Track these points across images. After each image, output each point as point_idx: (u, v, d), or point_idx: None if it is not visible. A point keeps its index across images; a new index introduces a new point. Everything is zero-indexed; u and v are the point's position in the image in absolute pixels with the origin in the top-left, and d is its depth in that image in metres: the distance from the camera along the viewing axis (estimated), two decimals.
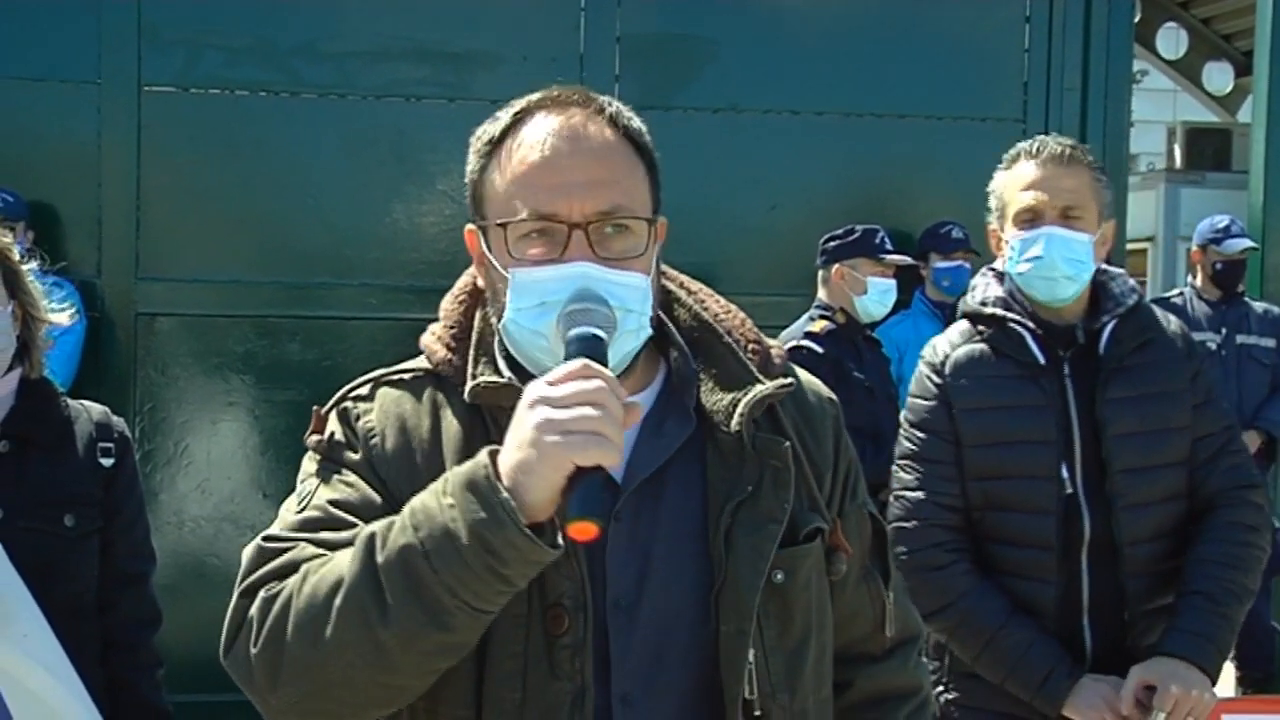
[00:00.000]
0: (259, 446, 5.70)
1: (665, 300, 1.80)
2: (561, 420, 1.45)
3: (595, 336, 1.57)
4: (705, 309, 1.81)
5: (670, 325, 1.79)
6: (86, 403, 2.81)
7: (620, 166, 1.68)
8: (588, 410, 1.45)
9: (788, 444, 1.71)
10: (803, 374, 1.85)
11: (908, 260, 5.47)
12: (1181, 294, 6.93)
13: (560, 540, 1.48)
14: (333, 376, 5.70)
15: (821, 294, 5.34)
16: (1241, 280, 6.75)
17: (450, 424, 1.69)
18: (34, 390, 2.72)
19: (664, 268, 1.80)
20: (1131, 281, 3.06)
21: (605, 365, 1.53)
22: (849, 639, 1.84)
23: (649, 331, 1.68)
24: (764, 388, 1.71)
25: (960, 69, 6.06)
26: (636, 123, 1.73)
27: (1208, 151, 12.94)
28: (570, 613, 1.62)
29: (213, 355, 5.66)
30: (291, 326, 5.70)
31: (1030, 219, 2.93)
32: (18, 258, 2.67)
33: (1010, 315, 2.94)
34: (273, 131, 5.69)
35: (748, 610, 1.64)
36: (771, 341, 1.82)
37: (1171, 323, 3.04)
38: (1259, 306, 6.69)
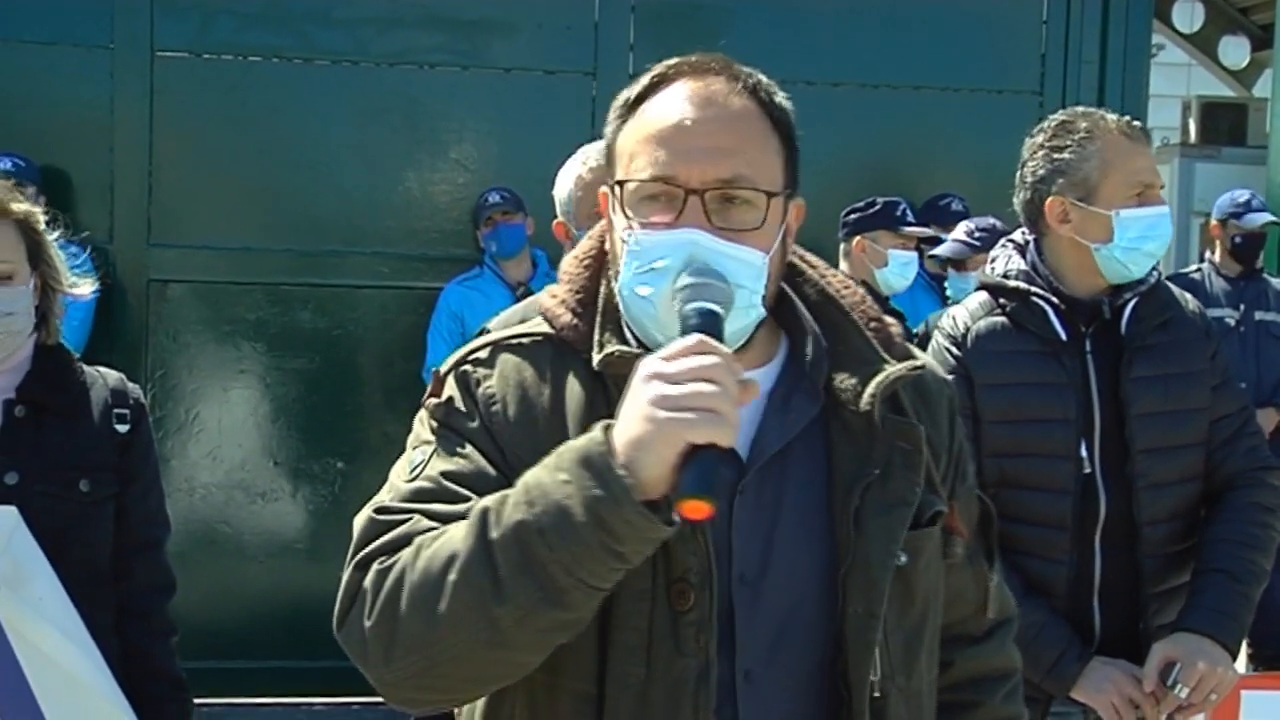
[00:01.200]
0: (270, 414, 5.70)
1: (790, 275, 1.77)
2: (676, 396, 1.43)
3: (712, 312, 1.54)
4: (829, 285, 1.78)
5: (798, 301, 1.75)
6: (102, 369, 2.81)
7: (749, 137, 1.64)
8: (703, 386, 1.43)
9: (921, 426, 1.69)
10: (920, 354, 1.81)
11: (929, 232, 5.43)
12: (1200, 269, 6.89)
13: (675, 518, 1.45)
14: (344, 344, 5.75)
15: (843, 266, 5.30)
16: (1260, 255, 6.71)
17: (574, 392, 1.66)
18: (50, 356, 2.71)
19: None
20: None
21: (721, 341, 1.51)
22: (952, 619, 1.82)
23: (760, 311, 1.64)
24: (895, 368, 1.69)
25: (978, 41, 6.02)
26: (780, 98, 1.69)
27: (1223, 126, 12.84)
28: (695, 589, 1.58)
29: (224, 322, 5.65)
30: (303, 294, 5.69)
31: (1143, 197, 2.87)
32: (43, 227, 2.66)
33: (1034, 289, 2.90)
34: (285, 98, 5.67)
35: (879, 593, 1.62)
36: (890, 320, 1.78)
37: (1189, 301, 3.02)
38: (1277, 283, 6.66)
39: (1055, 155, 2.91)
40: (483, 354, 1.71)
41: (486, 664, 1.54)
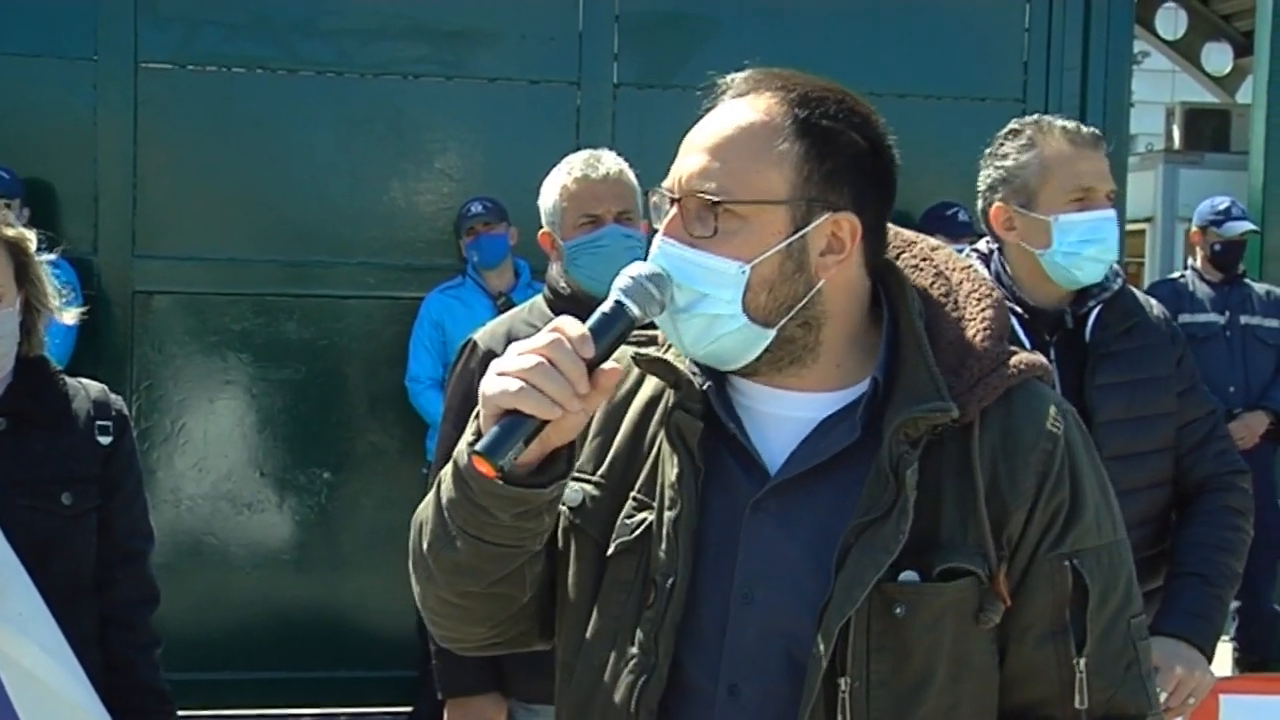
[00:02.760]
0: (256, 425, 5.70)
1: (891, 297, 1.72)
2: (503, 364, 1.55)
3: (617, 303, 1.60)
4: (938, 303, 1.73)
5: (894, 328, 1.70)
6: (85, 380, 2.80)
7: (740, 147, 1.64)
8: (527, 360, 1.53)
9: (910, 474, 1.61)
10: (1037, 399, 1.70)
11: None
12: (1184, 275, 6.93)
13: (501, 476, 1.56)
14: (330, 355, 5.75)
15: None
16: (1241, 262, 6.75)
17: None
18: (32, 368, 2.71)
19: (918, 254, 1.76)
20: (1115, 265, 3.02)
21: (622, 329, 1.59)
22: (1028, 700, 1.69)
23: (742, 320, 1.63)
24: (917, 410, 1.62)
25: (960, 48, 6.04)
26: (823, 109, 1.65)
27: (1206, 132, 12.90)
28: (658, 588, 1.65)
29: (209, 333, 5.65)
30: (288, 305, 5.69)
31: (1086, 201, 2.88)
32: (33, 249, 2.67)
33: None
34: (270, 109, 5.68)
35: (829, 634, 1.59)
36: (1016, 353, 1.70)
37: (1154, 307, 3.02)
38: (1260, 288, 6.69)
39: (999, 163, 2.94)
40: None
41: (434, 601, 1.74)
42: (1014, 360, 1.69)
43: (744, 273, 1.62)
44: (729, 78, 1.70)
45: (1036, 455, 1.66)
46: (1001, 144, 2.96)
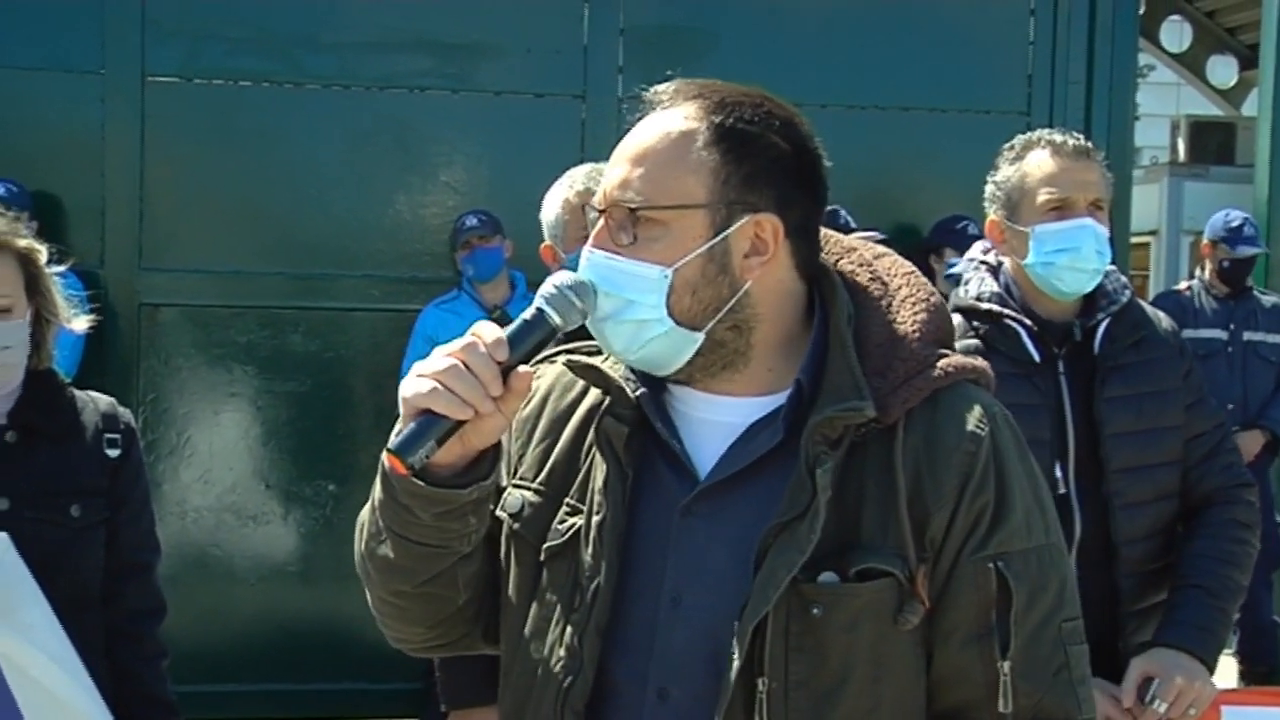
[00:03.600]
0: (261, 437, 5.71)
1: (824, 300, 1.73)
2: (419, 366, 1.60)
3: (538, 310, 1.65)
4: (870, 304, 1.73)
5: (823, 331, 1.71)
6: (93, 393, 2.82)
7: (658, 156, 1.67)
8: (440, 362, 1.58)
9: (821, 474, 1.61)
10: (964, 401, 1.69)
11: (878, 236, 5.44)
12: (1189, 287, 6.91)
13: (414, 473, 1.60)
14: (335, 367, 5.76)
15: None
16: (1249, 277, 6.73)
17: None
18: (41, 381, 2.73)
19: (856, 260, 1.77)
20: (1124, 278, 3.03)
21: (543, 336, 1.64)
22: (955, 703, 1.69)
23: (667, 323, 1.65)
24: (829, 413, 1.62)
25: (964, 61, 6.05)
26: (737, 113, 1.67)
27: (1211, 145, 12.91)
28: (584, 592, 1.68)
29: (215, 346, 5.66)
30: (294, 317, 5.70)
31: (1062, 210, 2.90)
32: (43, 262, 2.68)
33: (1006, 311, 2.91)
34: (276, 122, 5.69)
35: (743, 634, 1.60)
36: (947, 355, 1.70)
37: (1162, 320, 3.03)
38: (1267, 300, 6.67)
39: (992, 176, 2.99)
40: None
41: (375, 600, 1.80)
42: (942, 363, 1.69)
43: (666, 277, 1.65)
44: (655, 89, 1.73)
45: (959, 457, 1.65)
46: (998, 158, 3.01)
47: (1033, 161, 2.93)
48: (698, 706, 1.63)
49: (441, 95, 5.79)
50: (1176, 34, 13.11)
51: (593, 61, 5.80)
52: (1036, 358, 2.88)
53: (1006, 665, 1.65)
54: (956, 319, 2.97)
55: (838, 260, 1.78)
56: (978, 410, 1.69)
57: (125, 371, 5.48)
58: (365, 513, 1.75)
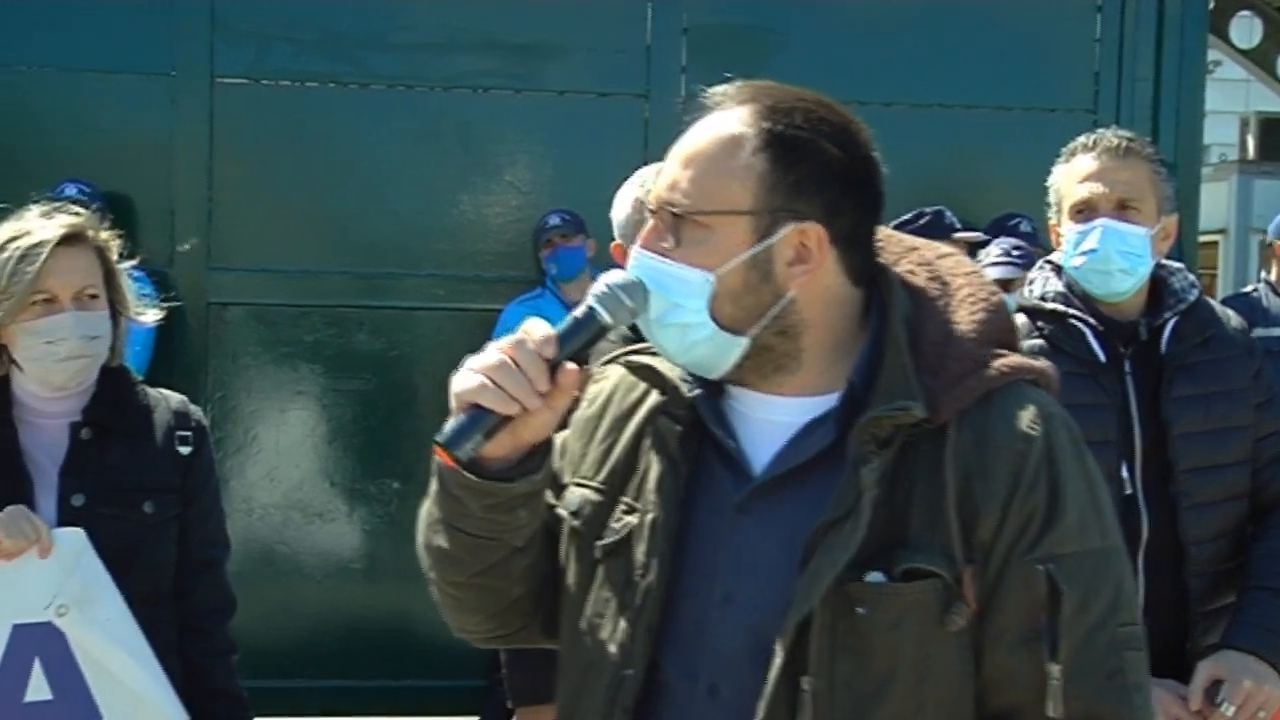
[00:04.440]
0: (327, 435, 5.76)
1: (882, 302, 1.71)
2: (471, 361, 1.63)
3: (588, 309, 1.66)
4: (920, 313, 1.71)
5: (880, 332, 1.70)
6: (165, 391, 2.85)
7: (706, 161, 1.67)
8: (492, 357, 1.61)
9: (866, 473, 1.60)
10: (1019, 402, 1.67)
11: (981, 237, 5.41)
12: (1256, 288, 6.81)
13: (461, 465, 1.63)
14: (399, 367, 5.80)
15: None
16: None
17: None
18: (114, 379, 2.76)
19: (917, 259, 1.76)
20: (1191, 276, 3.00)
21: (592, 334, 1.65)
22: (1004, 706, 1.66)
23: (710, 329, 1.66)
24: (877, 411, 1.62)
25: (1030, 59, 6.00)
26: (787, 120, 1.66)
27: None
28: (636, 590, 1.69)
29: (281, 345, 5.72)
30: (359, 316, 5.74)
31: (1086, 212, 2.89)
32: (115, 257, 2.72)
33: (1071, 311, 2.89)
34: (342, 122, 5.74)
35: (787, 632, 1.60)
36: (1004, 355, 1.68)
37: (1231, 319, 3.00)
38: None
39: (1050, 180, 3.00)
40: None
41: (435, 590, 1.83)
42: (998, 363, 1.67)
43: (709, 282, 1.65)
44: (714, 90, 1.72)
45: (1009, 457, 1.63)
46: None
47: (1070, 162, 2.93)
48: (747, 704, 1.62)
49: (505, 95, 5.81)
50: (1246, 29, 12.92)
51: (656, 61, 5.80)
52: (1102, 358, 2.85)
53: (1056, 669, 1.62)
54: (1021, 319, 2.96)
55: (897, 260, 1.77)
56: (1032, 410, 1.67)
57: (193, 370, 5.54)
58: (425, 504, 1.78)
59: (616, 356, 1.82)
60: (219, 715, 2.75)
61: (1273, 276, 6.71)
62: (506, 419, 1.61)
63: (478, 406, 1.60)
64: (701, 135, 1.69)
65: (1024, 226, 5.76)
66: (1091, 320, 2.88)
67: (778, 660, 1.59)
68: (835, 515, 1.61)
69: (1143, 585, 2.81)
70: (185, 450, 2.76)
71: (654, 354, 1.77)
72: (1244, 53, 12.97)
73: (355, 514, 5.75)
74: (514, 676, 3.17)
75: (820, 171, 1.66)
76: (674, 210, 1.67)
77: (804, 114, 1.67)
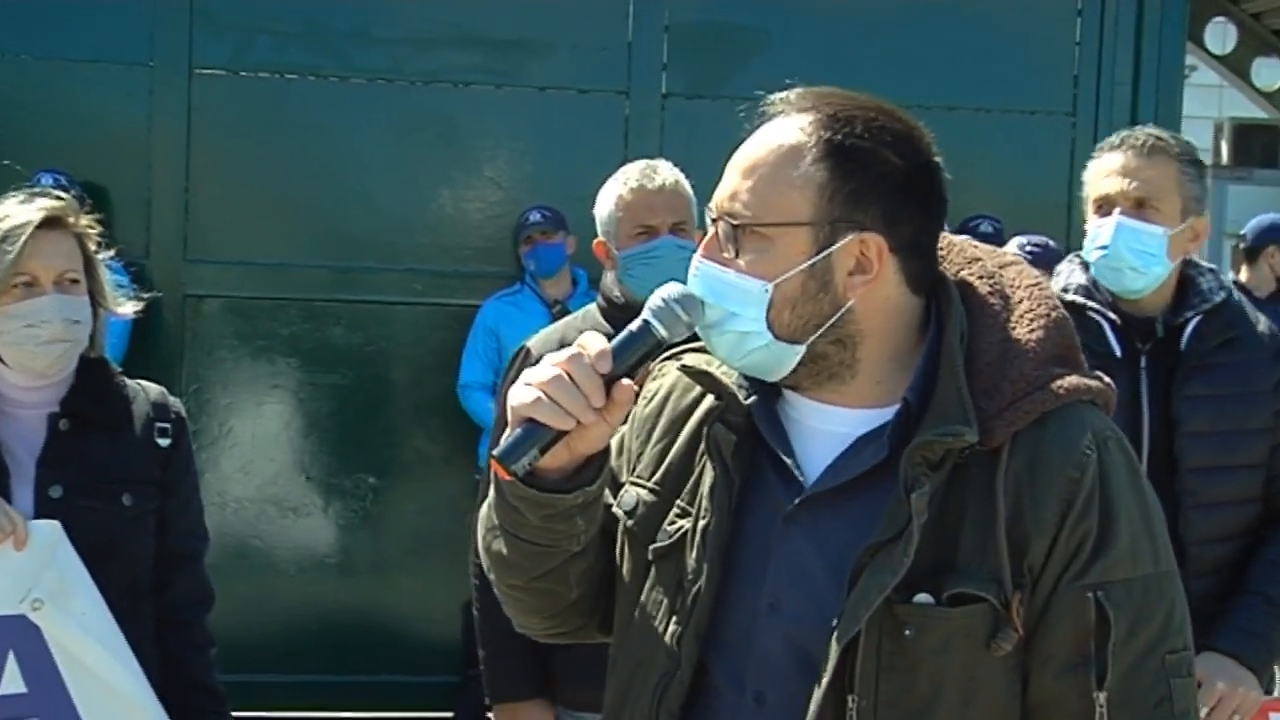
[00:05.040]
0: (302, 429, 5.74)
1: (940, 315, 1.70)
2: (527, 374, 1.63)
3: (644, 321, 1.66)
4: (976, 330, 1.69)
5: (937, 347, 1.68)
6: (144, 383, 2.83)
7: (766, 171, 1.66)
8: (546, 372, 1.61)
9: (916, 497, 1.59)
10: (1074, 425, 1.65)
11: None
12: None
13: (518, 478, 1.63)
14: (376, 360, 5.79)
15: None
16: None
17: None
18: (93, 370, 2.74)
19: (979, 270, 1.74)
20: (1223, 278, 3.00)
21: (647, 349, 1.65)
22: None
23: (766, 338, 1.66)
24: (929, 435, 1.60)
25: (1010, 61, 6.02)
26: (848, 129, 1.65)
27: (1255, 148, 12.83)
28: (686, 594, 1.70)
29: (258, 338, 5.70)
30: (337, 310, 5.73)
31: (1105, 207, 2.90)
32: (95, 247, 2.70)
33: (1090, 304, 2.90)
34: (322, 116, 5.72)
35: (833, 652, 1.60)
36: (1062, 376, 1.65)
37: (1260, 322, 2.97)
38: None
39: (1084, 175, 3.02)
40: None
41: (497, 591, 1.85)
42: (1055, 384, 1.65)
43: (767, 292, 1.65)
44: (774, 97, 1.72)
45: (1061, 482, 1.62)
46: None
47: (1100, 158, 2.95)
48: (792, 712, 1.62)
49: (486, 90, 5.80)
50: (1221, 36, 12.98)
51: (637, 58, 5.80)
52: (1118, 352, 2.86)
53: (1103, 696, 1.61)
54: None
55: (959, 270, 1.75)
56: (1086, 434, 1.65)
57: (169, 362, 5.52)
58: (484, 508, 1.79)
59: (674, 354, 1.81)
60: (197, 708, 2.74)
61: (1243, 278, 6.77)
62: (562, 433, 1.62)
63: (533, 421, 1.61)
64: (761, 144, 1.68)
65: (984, 227, 5.78)
66: (1110, 314, 2.89)
67: (825, 679, 1.59)
68: (884, 537, 1.60)
69: None
70: (164, 442, 2.74)
71: (707, 354, 1.77)
72: (1218, 59, 13.03)
73: (330, 508, 5.74)
74: (491, 672, 3.16)
75: (880, 181, 1.65)
76: (733, 223, 1.66)
77: (864, 122, 1.66)
